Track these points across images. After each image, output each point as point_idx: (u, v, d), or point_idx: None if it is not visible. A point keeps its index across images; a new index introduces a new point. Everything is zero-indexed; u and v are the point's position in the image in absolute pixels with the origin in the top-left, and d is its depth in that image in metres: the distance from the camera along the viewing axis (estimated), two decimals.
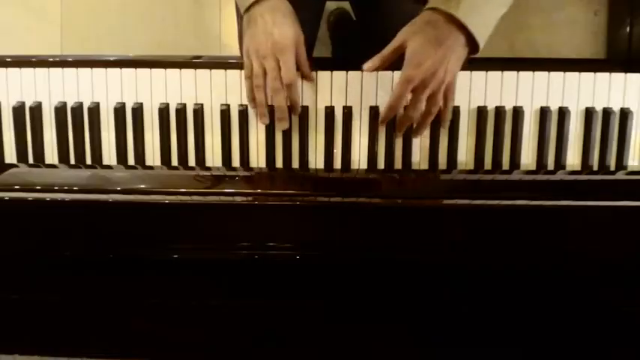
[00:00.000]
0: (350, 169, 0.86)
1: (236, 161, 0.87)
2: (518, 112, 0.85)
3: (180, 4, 1.55)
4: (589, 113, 0.85)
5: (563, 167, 0.86)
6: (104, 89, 0.87)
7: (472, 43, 0.76)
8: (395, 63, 0.80)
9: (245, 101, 0.86)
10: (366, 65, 0.80)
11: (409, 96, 0.79)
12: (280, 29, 0.80)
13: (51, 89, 0.87)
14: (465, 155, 0.86)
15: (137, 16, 1.55)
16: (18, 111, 0.87)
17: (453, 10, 0.74)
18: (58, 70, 0.87)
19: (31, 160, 0.88)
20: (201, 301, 0.69)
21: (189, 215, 0.69)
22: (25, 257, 0.68)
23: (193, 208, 0.70)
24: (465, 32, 0.75)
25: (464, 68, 0.80)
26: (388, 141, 0.85)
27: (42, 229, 0.69)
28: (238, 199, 0.72)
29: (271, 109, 0.84)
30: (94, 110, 0.87)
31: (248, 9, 0.82)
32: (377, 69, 0.80)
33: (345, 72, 0.85)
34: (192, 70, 0.86)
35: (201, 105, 0.86)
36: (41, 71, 0.87)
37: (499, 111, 0.85)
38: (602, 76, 0.85)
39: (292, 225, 0.69)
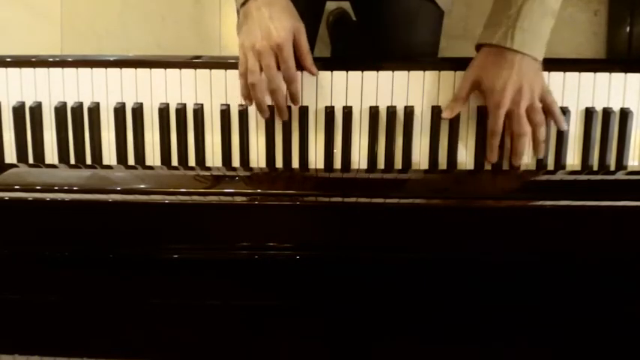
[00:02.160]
0: (350, 169, 0.86)
1: (236, 161, 0.87)
2: None
3: (180, 4, 1.55)
4: (589, 113, 0.85)
5: (563, 167, 0.86)
6: (104, 89, 0.87)
7: None
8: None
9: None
10: (446, 113, 0.84)
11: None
12: (277, 23, 0.78)
13: (51, 89, 0.87)
14: (465, 155, 0.86)
15: (137, 16, 1.56)
16: (18, 111, 0.87)
17: (508, 44, 0.79)
18: (58, 70, 0.87)
19: (31, 160, 0.88)
20: (201, 301, 0.69)
21: (189, 215, 0.69)
22: (25, 257, 0.68)
23: (193, 208, 0.70)
24: None
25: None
26: (388, 141, 0.85)
27: (42, 229, 0.69)
28: (238, 199, 0.72)
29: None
30: (94, 110, 0.86)
31: (244, 3, 0.81)
32: (457, 112, 0.84)
33: (345, 72, 0.85)
34: (192, 70, 0.86)
35: (201, 105, 0.86)
36: (41, 71, 0.87)
37: None
38: (602, 76, 0.85)
39: (292, 225, 0.69)
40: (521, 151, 0.83)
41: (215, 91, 0.86)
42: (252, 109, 0.86)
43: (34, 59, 0.87)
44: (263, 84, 0.81)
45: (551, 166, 0.86)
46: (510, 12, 0.79)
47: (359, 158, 0.86)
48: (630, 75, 0.85)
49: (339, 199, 0.71)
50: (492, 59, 0.80)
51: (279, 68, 0.80)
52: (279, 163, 0.87)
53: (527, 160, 0.86)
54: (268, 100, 0.83)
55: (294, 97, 0.83)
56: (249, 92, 0.82)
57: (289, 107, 0.84)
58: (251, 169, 0.86)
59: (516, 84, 0.80)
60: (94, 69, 0.87)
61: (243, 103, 0.85)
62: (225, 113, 0.86)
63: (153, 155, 0.88)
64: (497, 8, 0.81)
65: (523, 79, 0.80)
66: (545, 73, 0.84)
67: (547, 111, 0.83)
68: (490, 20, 0.82)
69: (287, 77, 0.81)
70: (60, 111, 0.87)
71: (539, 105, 0.81)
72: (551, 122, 0.85)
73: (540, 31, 0.80)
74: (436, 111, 0.85)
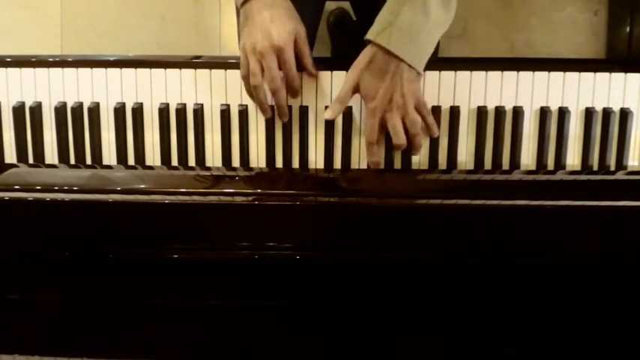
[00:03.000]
0: (350, 169, 0.86)
1: (236, 161, 0.87)
2: (518, 112, 0.85)
3: (180, 4, 1.55)
4: (589, 113, 0.85)
5: (563, 167, 0.86)
6: (104, 89, 0.87)
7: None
8: None
9: (245, 101, 0.86)
10: (328, 114, 0.83)
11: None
12: (278, 26, 0.79)
13: (51, 89, 0.87)
14: (464, 155, 0.86)
15: (137, 16, 1.56)
16: (18, 111, 0.87)
17: (384, 43, 0.78)
18: (58, 70, 0.87)
19: (31, 160, 0.88)
20: (201, 301, 0.69)
21: (189, 215, 0.69)
22: (25, 257, 0.68)
23: (193, 208, 0.70)
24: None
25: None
26: (388, 141, 0.85)
27: (42, 229, 0.69)
28: (238, 199, 0.72)
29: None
30: (94, 110, 0.87)
31: (244, 3, 0.81)
32: (338, 114, 0.83)
33: (345, 72, 0.85)
34: (192, 70, 0.86)
35: (201, 105, 0.87)
36: (41, 71, 0.87)
37: (499, 111, 0.85)
38: (602, 76, 0.85)
39: (292, 225, 0.69)
40: (397, 150, 0.83)
41: (215, 91, 0.86)
42: (252, 109, 0.86)
43: (34, 59, 0.87)
44: (265, 86, 0.81)
45: (551, 166, 0.86)
46: (393, 9, 0.78)
47: (359, 158, 0.87)
48: (630, 75, 0.85)
49: (339, 199, 0.71)
50: (371, 64, 0.79)
51: (280, 69, 0.81)
52: (279, 163, 0.87)
53: (526, 160, 0.87)
54: (270, 101, 0.83)
55: (293, 96, 0.84)
56: (251, 94, 0.83)
57: (289, 107, 0.85)
58: (251, 169, 0.86)
59: (387, 94, 0.79)
60: (94, 69, 0.87)
61: (245, 103, 0.85)
62: (225, 113, 0.86)
63: (153, 155, 0.88)
64: (387, 4, 0.80)
65: (395, 89, 0.79)
66: (545, 73, 0.84)
67: (423, 121, 0.82)
68: (378, 16, 0.81)
69: (288, 78, 0.81)
70: (60, 111, 0.87)
71: (415, 116, 0.81)
72: (551, 122, 0.85)
73: (419, 36, 0.78)
74: (436, 111, 0.85)
